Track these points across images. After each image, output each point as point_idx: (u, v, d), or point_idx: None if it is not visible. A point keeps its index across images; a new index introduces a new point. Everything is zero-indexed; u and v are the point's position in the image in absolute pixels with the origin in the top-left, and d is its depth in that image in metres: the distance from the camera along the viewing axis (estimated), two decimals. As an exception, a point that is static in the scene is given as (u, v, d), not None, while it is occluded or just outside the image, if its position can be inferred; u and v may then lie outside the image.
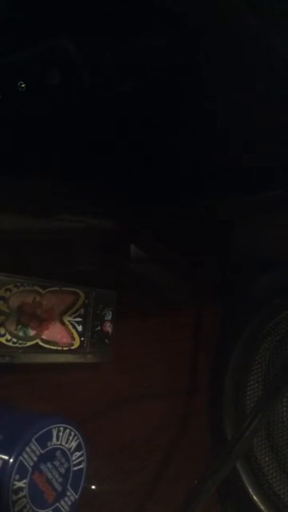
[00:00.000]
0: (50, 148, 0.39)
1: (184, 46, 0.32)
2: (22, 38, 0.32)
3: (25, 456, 0.31)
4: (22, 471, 0.30)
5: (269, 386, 0.43)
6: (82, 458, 0.35)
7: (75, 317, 0.42)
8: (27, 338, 0.38)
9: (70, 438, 0.34)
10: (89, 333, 0.43)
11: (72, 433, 0.34)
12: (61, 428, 0.33)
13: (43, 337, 0.40)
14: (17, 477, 0.30)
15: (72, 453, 0.34)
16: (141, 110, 0.37)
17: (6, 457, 0.30)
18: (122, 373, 0.48)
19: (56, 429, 0.33)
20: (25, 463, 0.31)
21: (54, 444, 0.33)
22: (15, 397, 0.39)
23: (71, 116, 0.37)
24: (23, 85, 0.34)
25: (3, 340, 0.37)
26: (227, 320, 0.58)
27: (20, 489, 0.30)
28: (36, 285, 0.39)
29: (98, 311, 0.44)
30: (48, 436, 0.32)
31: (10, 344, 0.37)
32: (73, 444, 0.34)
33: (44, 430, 0.32)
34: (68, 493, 0.33)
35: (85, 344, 0.43)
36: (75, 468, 0.34)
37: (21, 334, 0.38)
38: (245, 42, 0.30)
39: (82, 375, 0.44)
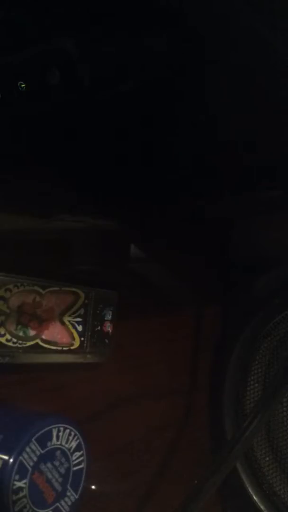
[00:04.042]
0: (50, 148, 0.39)
1: (184, 46, 0.32)
2: (22, 38, 0.32)
3: (25, 456, 0.31)
4: (22, 471, 0.30)
5: (269, 386, 0.43)
6: (82, 458, 0.35)
7: (75, 317, 0.42)
8: (27, 338, 0.38)
9: (70, 438, 0.34)
10: (89, 333, 0.43)
11: (72, 433, 0.34)
12: (61, 428, 0.33)
13: (43, 337, 0.40)
14: (17, 477, 0.30)
15: (72, 453, 0.34)
16: (141, 110, 0.37)
17: (6, 457, 0.30)
18: (122, 373, 0.48)
19: (56, 429, 0.33)
20: (25, 463, 0.31)
21: (54, 444, 0.33)
22: (15, 397, 0.39)
23: (71, 116, 0.37)
24: (23, 85, 0.34)
25: (3, 340, 0.37)
26: (227, 320, 0.58)
27: (20, 489, 0.30)
28: (36, 285, 0.39)
29: (98, 311, 0.44)
30: (48, 436, 0.32)
31: (10, 344, 0.37)
32: (73, 444, 0.34)
33: (44, 430, 0.32)
34: (68, 493, 0.33)
35: (85, 344, 0.43)
36: (75, 468, 0.34)
37: (21, 334, 0.38)
38: (245, 42, 0.30)
39: (82, 375, 0.44)
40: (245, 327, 0.55)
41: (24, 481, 0.30)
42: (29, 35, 0.32)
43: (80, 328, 0.43)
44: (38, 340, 0.39)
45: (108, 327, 0.45)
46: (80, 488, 0.34)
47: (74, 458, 0.34)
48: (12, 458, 0.30)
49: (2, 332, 0.37)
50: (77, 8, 0.30)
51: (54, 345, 0.40)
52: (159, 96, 0.36)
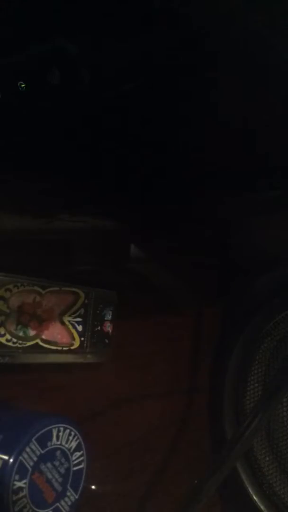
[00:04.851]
0: (50, 148, 0.39)
1: (185, 46, 0.32)
2: (22, 38, 0.32)
3: (25, 456, 0.31)
4: (22, 471, 0.30)
5: (269, 386, 0.43)
6: (82, 458, 0.35)
7: (75, 317, 0.42)
8: (27, 338, 0.38)
9: (70, 438, 0.34)
10: (89, 333, 0.43)
11: (72, 433, 0.34)
12: (61, 428, 0.33)
13: (43, 337, 0.40)
14: (17, 477, 0.30)
15: (72, 453, 0.34)
16: (141, 110, 0.37)
17: (6, 457, 0.30)
18: (122, 373, 0.48)
19: (56, 429, 0.33)
20: (25, 463, 0.31)
21: (54, 444, 0.33)
22: (15, 397, 0.39)
23: (71, 116, 0.37)
24: (23, 85, 0.34)
25: (3, 340, 0.37)
26: (227, 320, 0.58)
27: (20, 489, 0.30)
28: (36, 285, 0.39)
29: (98, 311, 0.44)
30: (48, 436, 0.32)
31: (10, 344, 0.37)
32: (73, 444, 0.34)
33: (44, 430, 0.32)
34: (68, 493, 0.33)
35: (85, 344, 0.43)
36: (75, 468, 0.34)
37: (21, 334, 0.38)
38: (246, 42, 0.30)
39: (82, 375, 0.44)
40: (245, 327, 0.55)
41: (24, 481, 0.30)
42: (29, 35, 0.32)
43: (80, 328, 0.43)
44: (38, 340, 0.39)
45: (108, 327, 0.45)
46: (80, 488, 0.34)
47: (74, 458, 0.34)
48: (12, 458, 0.30)
49: (2, 332, 0.37)
50: (77, 8, 0.30)
51: (54, 345, 0.40)
52: (160, 95, 0.36)
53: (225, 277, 0.59)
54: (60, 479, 0.33)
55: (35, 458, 0.31)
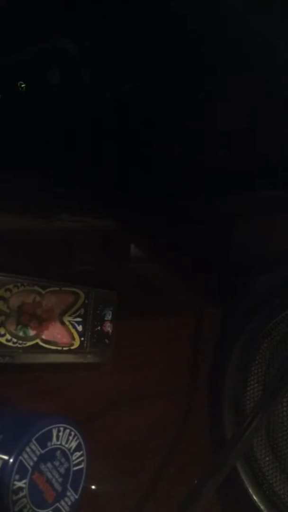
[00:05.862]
0: (50, 148, 0.39)
1: (185, 46, 0.32)
2: (22, 38, 0.32)
3: (25, 456, 0.31)
4: (22, 471, 0.30)
5: (269, 386, 0.43)
6: (82, 458, 0.35)
7: (75, 317, 0.42)
8: (27, 338, 0.38)
9: (70, 438, 0.34)
10: (89, 333, 0.43)
11: (72, 433, 0.34)
12: (61, 428, 0.33)
13: (43, 337, 0.40)
14: (17, 477, 0.30)
15: (72, 453, 0.34)
16: (141, 110, 0.37)
17: (6, 457, 0.30)
18: (122, 373, 0.48)
19: (56, 429, 0.33)
20: (25, 463, 0.31)
21: (54, 444, 0.33)
22: (15, 397, 0.39)
23: (71, 116, 0.37)
24: (23, 85, 0.34)
25: (3, 340, 0.37)
26: (227, 320, 0.58)
27: (20, 489, 0.30)
28: (36, 285, 0.39)
29: (98, 311, 0.44)
30: (48, 436, 0.32)
31: (10, 344, 0.37)
32: (73, 444, 0.34)
33: (44, 430, 0.32)
34: (68, 493, 0.33)
35: (85, 344, 0.43)
36: (75, 468, 0.34)
37: (21, 334, 0.38)
38: (245, 42, 0.30)
39: (82, 375, 0.44)
40: (245, 327, 0.55)
41: (24, 481, 0.30)
42: (29, 35, 0.32)
43: (80, 328, 0.43)
44: (38, 340, 0.39)
45: (108, 327, 0.45)
46: (80, 488, 0.34)
47: (74, 458, 0.34)
48: (12, 458, 0.30)
49: (2, 332, 0.37)
50: (77, 8, 0.30)
51: (54, 345, 0.40)
52: (160, 95, 0.36)
53: (225, 277, 0.59)
54: (60, 479, 0.33)
55: (35, 458, 0.31)
